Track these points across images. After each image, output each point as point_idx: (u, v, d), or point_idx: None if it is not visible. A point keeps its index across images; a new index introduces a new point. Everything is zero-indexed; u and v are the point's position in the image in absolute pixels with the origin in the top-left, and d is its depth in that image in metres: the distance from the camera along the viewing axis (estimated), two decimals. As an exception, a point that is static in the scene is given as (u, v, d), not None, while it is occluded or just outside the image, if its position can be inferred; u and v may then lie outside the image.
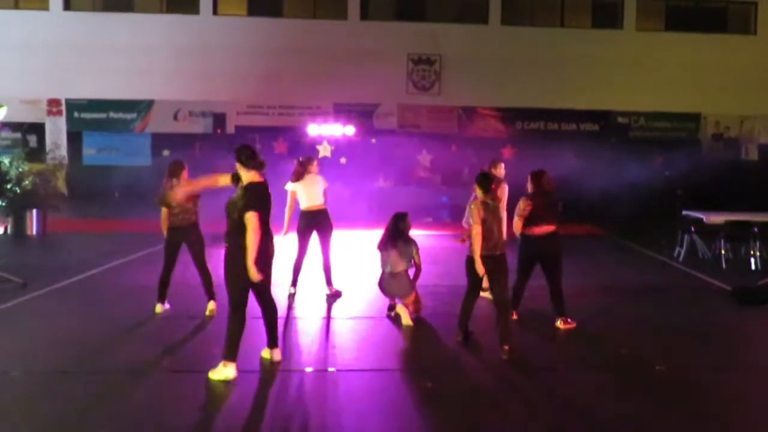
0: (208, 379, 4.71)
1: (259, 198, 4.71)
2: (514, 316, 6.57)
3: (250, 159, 4.77)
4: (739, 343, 6.14)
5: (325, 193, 7.52)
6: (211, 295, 6.70)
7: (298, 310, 6.96)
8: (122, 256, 10.19)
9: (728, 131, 19.18)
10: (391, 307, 6.68)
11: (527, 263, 6.39)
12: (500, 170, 7.38)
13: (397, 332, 6.20)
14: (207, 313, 6.57)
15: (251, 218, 4.59)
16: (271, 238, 4.94)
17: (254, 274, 4.63)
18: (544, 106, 18.47)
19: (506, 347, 5.35)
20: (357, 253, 10.61)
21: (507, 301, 5.62)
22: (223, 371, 4.73)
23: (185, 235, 6.60)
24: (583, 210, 14.90)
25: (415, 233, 6.81)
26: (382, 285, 6.61)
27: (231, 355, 4.75)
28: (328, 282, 7.63)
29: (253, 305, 5.07)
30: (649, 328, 6.44)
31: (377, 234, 6.75)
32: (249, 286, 4.79)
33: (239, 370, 4.78)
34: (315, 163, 7.65)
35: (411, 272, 6.67)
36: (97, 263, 9.50)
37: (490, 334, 5.71)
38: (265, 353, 5.21)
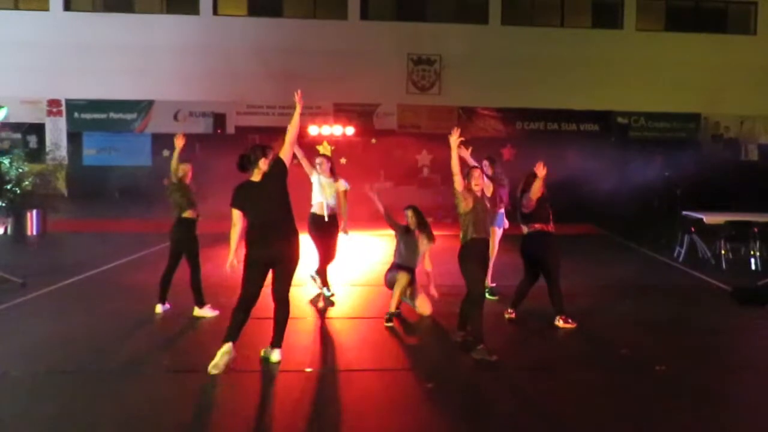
0: (208, 379, 4.71)
1: (236, 196, 5.01)
2: (512, 315, 6.57)
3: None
4: (739, 344, 6.14)
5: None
6: (198, 301, 6.61)
7: (299, 310, 6.95)
8: (122, 256, 10.19)
9: (728, 131, 19.19)
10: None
11: (524, 263, 6.55)
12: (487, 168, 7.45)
13: (397, 332, 6.20)
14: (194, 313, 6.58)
15: (232, 214, 5.02)
16: (284, 237, 4.99)
17: (228, 264, 5.05)
18: (544, 106, 18.48)
19: (480, 347, 5.28)
20: (356, 253, 10.60)
21: (475, 292, 5.45)
22: (218, 353, 4.83)
23: (174, 231, 6.59)
24: (583, 210, 14.92)
25: None
26: None
27: (228, 336, 4.90)
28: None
29: (260, 306, 5.09)
30: (649, 328, 6.43)
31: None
32: (252, 280, 4.94)
33: (239, 370, 4.78)
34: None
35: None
36: (97, 263, 9.50)
37: (489, 335, 5.70)
38: (264, 352, 5.20)
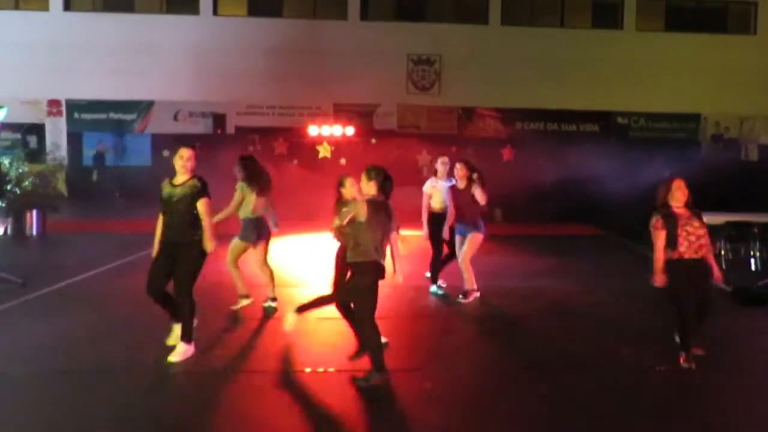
0: (206, 379, 4.72)
1: None
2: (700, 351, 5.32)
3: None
4: (740, 344, 6.13)
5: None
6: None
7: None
8: (122, 256, 10.18)
9: (728, 132, 19.19)
10: None
11: None
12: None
13: (396, 332, 6.19)
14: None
15: None
16: None
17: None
18: (544, 107, 18.48)
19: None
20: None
21: (361, 324, 4.85)
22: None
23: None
24: (584, 210, 14.92)
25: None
26: None
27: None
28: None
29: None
30: (650, 328, 6.42)
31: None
32: None
33: (238, 371, 4.77)
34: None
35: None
36: (97, 263, 9.49)
37: (487, 335, 5.71)
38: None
